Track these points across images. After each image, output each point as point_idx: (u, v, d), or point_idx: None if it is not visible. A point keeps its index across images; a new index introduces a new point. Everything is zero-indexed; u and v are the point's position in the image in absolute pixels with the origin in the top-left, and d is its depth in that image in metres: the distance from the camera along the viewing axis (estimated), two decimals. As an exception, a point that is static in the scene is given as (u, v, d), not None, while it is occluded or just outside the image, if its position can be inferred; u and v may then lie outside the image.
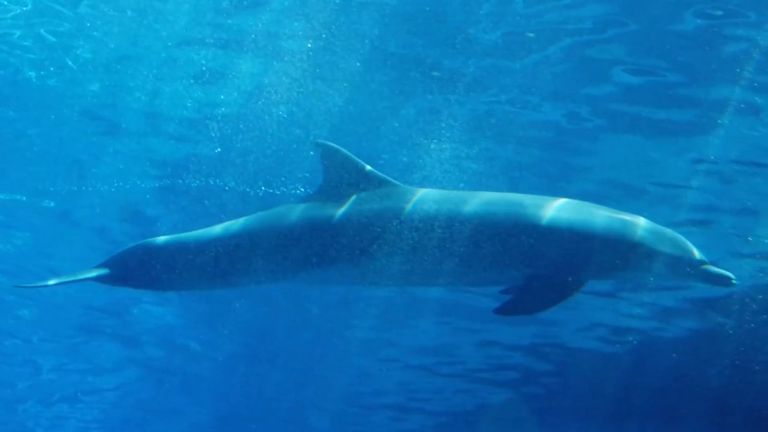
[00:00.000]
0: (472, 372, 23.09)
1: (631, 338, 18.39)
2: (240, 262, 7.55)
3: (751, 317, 16.11)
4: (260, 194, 12.49)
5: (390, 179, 7.48)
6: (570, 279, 6.91)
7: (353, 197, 7.34)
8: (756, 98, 9.62)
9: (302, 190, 12.04)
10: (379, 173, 7.50)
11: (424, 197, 7.27)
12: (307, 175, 11.80)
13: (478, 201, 7.16)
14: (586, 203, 7.33)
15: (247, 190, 12.59)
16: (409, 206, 7.15)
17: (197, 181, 12.68)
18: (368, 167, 7.49)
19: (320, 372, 24.68)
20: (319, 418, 30.97)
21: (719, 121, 10.13)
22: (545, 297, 6.95)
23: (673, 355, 18.74)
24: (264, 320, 19.76)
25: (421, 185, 9.64)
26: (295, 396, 27.99)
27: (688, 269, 7.01)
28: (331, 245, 7.19)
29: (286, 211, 7.58)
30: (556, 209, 7.05)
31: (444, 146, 11.10)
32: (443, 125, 10.77)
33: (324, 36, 9.53)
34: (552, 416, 26.23)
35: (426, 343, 20.78)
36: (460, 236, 6.92)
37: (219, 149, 11.65)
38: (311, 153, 7.58)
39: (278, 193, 12.28)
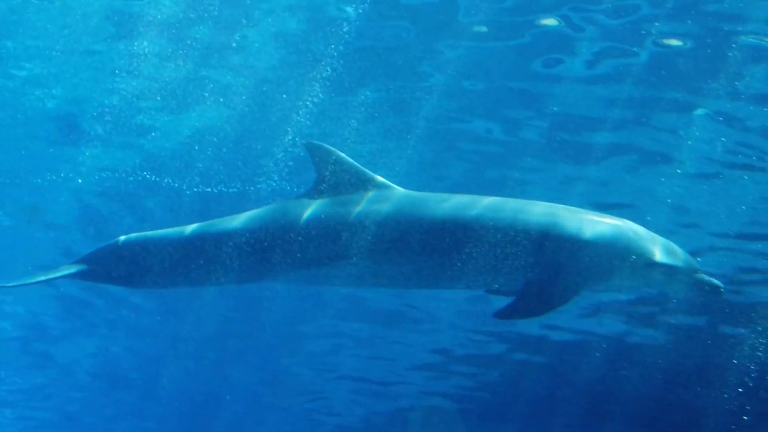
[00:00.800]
0: (393, 378, 23.63)
1: (555, 340, 18.80)
2: (228, 261, 7.46)
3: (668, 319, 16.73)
4: (198, 191, 12.64)
5: (384, 180, 7.47)
6: (568, 286, 6.89)
7: (344, 198, 7.32)
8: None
9: (239, 187, 12.25)
10: (372, 174, 7.49)
11: (418, 200, 7.28)
12: (247, 172, 12.04)
13: (475, 205, 7.13)
14: (581, 209, 7.35)
15: (183, 188, 12.72)
16: (402, 208, 7.14)
17: (133, 177, 12.79)
18: (360, 167, 7.50)
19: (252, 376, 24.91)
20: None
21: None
22: (543, 302, 6.94)
23: (597, 354, 19.09)
24: (185, 323, 19.92)
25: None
26: (206, 398, 28.17)
27: (684, 278, 7.01)
28: (321, 245, 7.16)
29: (275, 210, 7.54)
30: (554, 215, 7.04)
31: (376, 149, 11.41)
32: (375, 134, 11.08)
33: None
34: (474, 420, 26.64)
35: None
36: (454, 240, 6.90)
37: (155, 133, 11.75)
38: (301, 153, 7.58)
39: (216, 191, 12.48)
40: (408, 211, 7.10)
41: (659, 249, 6.95)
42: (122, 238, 8.07)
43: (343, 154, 7.48)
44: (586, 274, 6.90)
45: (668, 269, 6.90)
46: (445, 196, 7.44)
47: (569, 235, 6.86)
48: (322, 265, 7.22)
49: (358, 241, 7.02)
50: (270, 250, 7.32)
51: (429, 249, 6.96)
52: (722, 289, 6.95)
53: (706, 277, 7.01)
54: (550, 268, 6.83)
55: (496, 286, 7.13)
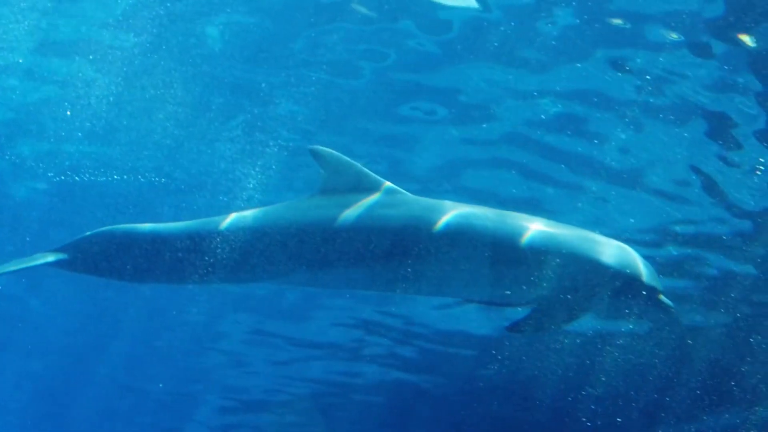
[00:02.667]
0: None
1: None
2: (223, 260, 7.31)
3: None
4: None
5: (392, 186, 7.41)
6: (577, 304, 6.97)
7: (351, 201, 7.20)
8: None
9: (116, 177, 12.62)
10: (381, 179, 7.43)
11: (428, 206, 7.21)
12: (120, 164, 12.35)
13: (487, 217, 7.08)
14: (587, 230, 7.43)
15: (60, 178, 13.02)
16: (409, 213, 7.08)
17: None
18: (369, 172, 7.44)
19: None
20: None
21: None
22: (553, 318, 7.02)
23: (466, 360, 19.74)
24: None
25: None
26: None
27: (653, 298, 7.17)
28: (323, 248, 7.06)
29: (277, 211, 7.44)
30: (562, 234, 7.10)
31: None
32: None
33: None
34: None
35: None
36: (461, 249, 6.88)
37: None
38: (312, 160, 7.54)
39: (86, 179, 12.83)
40: (416, 217, 7.04)
41: (652, 273, 7.20)
42: (108, 228, 7.87)
43: (348, 159, 7.46)
44: (595, 294, 6.99)
45: (655, 292, 7.16)
46: (457, 204, 7.34)
47: (584, 255, 6.97)
48: (321, 268, 7.15)
49: (361, 245, 6.98)
50: (269, 251, 7.20)
51: (434, 256, 6.89)
52: (673, 310, 7.26)
53: (666, 299, 7.26)
54: (562, 285, 6.89)
55: (497, 298, 7.19)
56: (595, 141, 10.77)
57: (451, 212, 7.09)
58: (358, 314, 17.71)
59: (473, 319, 16.77)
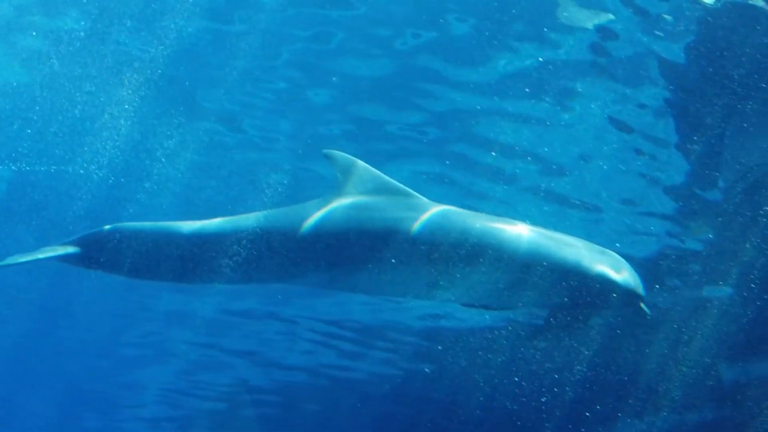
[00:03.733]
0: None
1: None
2: (239, 260, 7.28)
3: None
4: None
5: (407, 189, 7.40)
6: (583, 313, 7.05)
7: (367, 205, 7.21)
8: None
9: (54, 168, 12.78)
10: (396, 182, 7.44)
11: (438, 211, 7.20)
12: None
13: (496, 227, 7.09)
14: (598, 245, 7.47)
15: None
16: (422, 217, 7.08)
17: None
18: (383, 175, 7.44)
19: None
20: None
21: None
22: (564, 326, 7.09)
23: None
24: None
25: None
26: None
27: (636, 306, 7.22)
28: (335, 250, 7.09)
29: (290, 213, 7.41)
30: (561, 241, 7.17)
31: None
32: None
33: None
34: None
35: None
36: (468, 257, 6.89)
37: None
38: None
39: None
40: (430, 221, 7.05)
41: (640, 282, 7.31)
42: (120, 225, 7.72)
43: (363, 163, 7.49)
44: (600, 304, 7.06)
45: (639, 300, 7.22)
46: (471, 213, 7.41)
47: (591, 266, 7.02)
48: (333, 269, 7.20)
49: (372, 247, 7.00)
50: (286, 252, 7.21)
51: (447, 260, 6.92)
52: (649, 318, 7.35)
53: (644, 306, 7.32)
54: (563, 293, 6.98)
55: (507, 303, 7.25)
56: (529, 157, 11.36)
57: (465, 217, 7.20)
58: (284, 314, 18.04)
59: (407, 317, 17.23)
